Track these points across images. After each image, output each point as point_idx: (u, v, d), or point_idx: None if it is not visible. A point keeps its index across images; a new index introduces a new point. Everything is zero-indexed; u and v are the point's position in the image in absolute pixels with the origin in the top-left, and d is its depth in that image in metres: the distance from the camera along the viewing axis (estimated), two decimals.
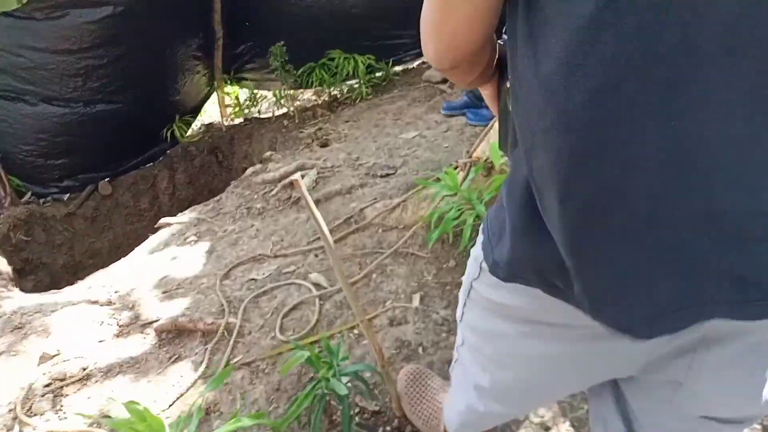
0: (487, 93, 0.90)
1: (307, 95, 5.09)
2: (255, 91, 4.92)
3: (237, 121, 5.03)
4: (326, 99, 4.66)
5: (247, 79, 5.17)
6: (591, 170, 0.57)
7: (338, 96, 4.63)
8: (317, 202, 2.90)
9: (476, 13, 0.63)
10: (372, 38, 4.58)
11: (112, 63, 3.93)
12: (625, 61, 0.52)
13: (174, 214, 4.95)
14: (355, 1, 4.29)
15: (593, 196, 0.58)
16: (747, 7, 0.50)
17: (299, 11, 4.46)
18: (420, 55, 4.74)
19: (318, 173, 3.04)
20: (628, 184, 0.56)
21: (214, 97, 5.21)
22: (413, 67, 4.78)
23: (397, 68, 4.73)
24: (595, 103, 0.54)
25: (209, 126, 5.09)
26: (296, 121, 4.27)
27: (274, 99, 5.06)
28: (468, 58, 0.70)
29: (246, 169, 4.80)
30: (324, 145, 3.53)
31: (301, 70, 4.60)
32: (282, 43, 4.20)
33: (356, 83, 4.66)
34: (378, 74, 4.64)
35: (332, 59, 4.61)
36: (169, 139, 4.79)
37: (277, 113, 4.82)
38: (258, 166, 3.50)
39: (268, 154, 3.56)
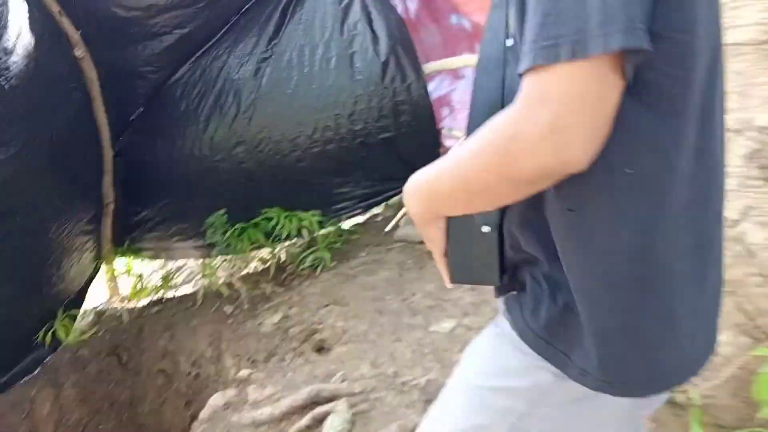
0: (440, 226, 0.83)
1: (228, 263, 4.14)
2: (166, 261, 3.87)
3: (142, 303, 3.89)
4: (268, 268, 3.76)
5: (148, 249, 4.12)
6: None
7: (284, 264, 3.78)
8: None
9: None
10: (315, 192, 3.87)
11: None
12: None
13: None
14: (301, 154, 3.60)
15: None
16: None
17: (229, 167, 3.66)
18: (369, 207, 4.06)
19: (350, 406, 2.14)
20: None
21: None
22: (365, 222, 4.11)
23: (344, 225, 4.02)
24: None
25: (102, 316, 3.86)
26: (245, 306, 3.30)
27: (190, 271, 4.05)
28: None
29: (166, 372, 3.64)
30: (319, 348, 2.62)
31: (228, 234, 3.72)
32: (223, 211, 3.32)
33: (299, 246, 3.86)
34: (324, 231, 3.88)
35: (269, 219, 3.80)
36: (48, 342, 3.50)
37: (191, 290, 3.80)
38: (230, 393, 2.47)
39: (245, 373, 2.55)
